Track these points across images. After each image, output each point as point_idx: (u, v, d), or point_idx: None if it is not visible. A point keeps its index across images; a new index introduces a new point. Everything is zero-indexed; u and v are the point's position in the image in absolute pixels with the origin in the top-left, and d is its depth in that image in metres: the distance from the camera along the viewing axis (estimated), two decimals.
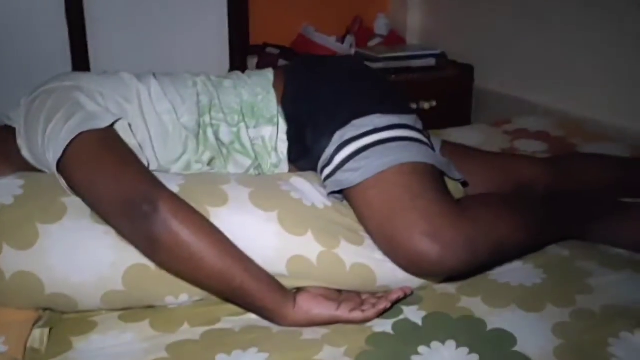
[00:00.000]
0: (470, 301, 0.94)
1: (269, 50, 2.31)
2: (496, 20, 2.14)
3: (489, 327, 0.87)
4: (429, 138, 1.10)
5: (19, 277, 0.86)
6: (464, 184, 1.14)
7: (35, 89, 1.03)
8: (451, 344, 0.83)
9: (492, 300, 0.93)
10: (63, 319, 0.91)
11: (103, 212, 0.89)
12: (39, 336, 0.85)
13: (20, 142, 1.00)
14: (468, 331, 0.85)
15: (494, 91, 2.15)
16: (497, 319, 0.88)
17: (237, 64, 1.99)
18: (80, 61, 1.71)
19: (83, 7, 1.67)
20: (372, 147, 1.01)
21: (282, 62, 2.25)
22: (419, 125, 1.10)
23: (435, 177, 1.01)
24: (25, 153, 1.00)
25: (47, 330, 0.86)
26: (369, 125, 1.03)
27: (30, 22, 1.62)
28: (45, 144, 0.92)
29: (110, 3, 1.77)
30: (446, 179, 1.07)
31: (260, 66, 2.20)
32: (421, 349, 0.82)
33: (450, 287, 0.98)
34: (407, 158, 1.00)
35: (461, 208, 0.96)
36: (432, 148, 1.08)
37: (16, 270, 0.86)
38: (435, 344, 0.83)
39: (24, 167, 1.00)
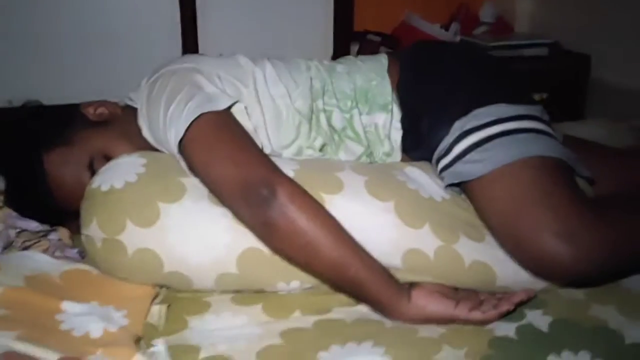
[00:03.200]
0: (602, 310, 0.86)
1: (370, 37, 2.27)
2: (616, 4, 1.98)
3: (627, 340, 0.79)
4: (555, 131, 1.03)
5: (141, 253, 0.88)
6: (591, 182, 1.06)
7: (156, 70, 1.05)
8: (585, 355, 0.76)
9: (629, 310, 0.85)
10: (178, 297, 0.92)
11: (220, 194, 0.89)
12: (157, 312, 0.87)
13: (142, 122, 1.02)
14: (603, 343, 0.78)
15: (614, 83, 2.00)
16: (635, 332, 0.80)
17: (340, 50, 1.97)
18: (190, 43, 1.75)
19: None
20: (496, 138, 0.95)
21: (383, 50, 2.20)
22: (546, 117, 1.03)
23: (566, 172, 0.94)
24: (145, 133, 1.02)
25: (164, 307, 0.88)
26: (493, 115, 0.97)
27: (144, 5, 1.67)
28: (167, 124, 0.93)
29: None
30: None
31: (361, 53, 2.17)
32: (551, 358, 0.76)
33: (577, 293, 0.91)
34: (535, 151, 0.93)
35: (597, 207, 0.89)
36: (560, 142, 1.00)
37: (138, 247, 0.88)
38: (566, 354, 0.76)
39: (145, 146, 1.02)
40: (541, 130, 0.97)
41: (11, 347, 0.66)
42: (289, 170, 0.92)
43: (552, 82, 2.02)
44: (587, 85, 2.08)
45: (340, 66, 1.13)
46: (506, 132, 0.95)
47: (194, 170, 0.91)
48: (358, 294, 0.88)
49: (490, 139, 0.95)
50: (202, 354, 0.79)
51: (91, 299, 0.84)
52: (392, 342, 0.80)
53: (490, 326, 0.83)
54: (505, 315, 0.84)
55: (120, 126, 1.05)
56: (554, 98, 2.02)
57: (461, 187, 0.98)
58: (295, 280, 0.92)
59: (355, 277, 0.85)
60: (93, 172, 0.99)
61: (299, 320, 0.87)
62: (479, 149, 0.95)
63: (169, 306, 0.89)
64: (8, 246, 0.94)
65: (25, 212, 1.01)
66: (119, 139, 1.03)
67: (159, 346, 0.77)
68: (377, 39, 2.26)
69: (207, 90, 0.97)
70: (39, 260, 0.89)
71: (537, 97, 2.01)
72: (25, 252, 0.93)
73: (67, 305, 0.80)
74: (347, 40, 2.06)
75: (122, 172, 0.93)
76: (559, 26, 2.22)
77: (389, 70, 1.11)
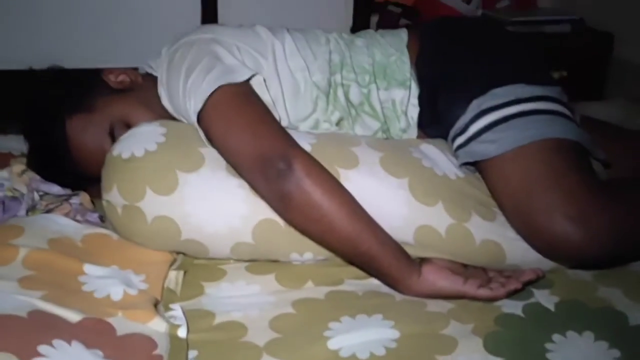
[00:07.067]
0: (609, 292, 0.87)
1: (391, 8, 2.24)
2: None
3: (632, 322, 0.81)
4: (572, 112, 1.02)
5: (159, 221, 0.90)
6: (606, 165, 1.06)
7: (177, 40, 1.05)
8: (589, 335, 0.78)
9: (635, 293, 0.86)
10: (195, 264, 0.95)
11: (238, 166, 0.91)
12: (174, 278, 0.89)
13: (161, 90, 1.04)
14: (608, 324, 0.80)
15: (636, 64, 1.96)
16: None
17: (360, 21, 1.96)
18: (209, 12, 1.75)
19: None
20: (513, 118, 0.95)
21: (403, 22, 2.18)
22: (564, 99, 1.02)
23: (580, 155, 0.94)
24: (165, 102, 1.03)
25: (181, 273, 0.91)
26: (511, 95, 0.97)
27: None
28: (187, 95, 0.95)
29: None
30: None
31: (381, 25, 2.14)
32: (556, 337, 0.78)
33: (585, 275, 0.92)
34: (551, 133, 0.93)
35: (609, 191, 0.89)
36: (577, 124, 1.00)
37: (157, 214, 0.90)
38: (571, 334, 0.78)
39: (164, 115, 1.03)
40: (558, 112, 0.97)
41: (37, 307, 0.69)
42: (305, 144, 0.94)
43: (573, 60, 1.99)
44: (608, 65, 2.05)
45: (360, 40, 1.13)
46: (523, 113, 0.95)
47: (212, 141, 0.93)
48: (370, 268, 0.90)
49: (507, 120, 0.95)
50: (217, 320, 0.82)
51: (111, 262, 0.86)
52: (401, 316, 0.82)
53: (497, 303, 0.85)
54: (513, 294, 0.86)
55: (140, 94, 1.07)
56: (574, 76, 1.99)
57: (476, 166, 0.98)
58: (308, 252, 0.94)
59: (367, 252, 0.87)
60: (114, 138, 1.00)
61: (312, 290, 0.89)
62: (495, 129, 0.95)
63: (185, 272, 0.92)
64: (32, 209, 0.97)
65: (47, 175, 1.03)
66: (139, 107, 1.04)
67: (177, 310, 0.80)
68: (398, 10, 2.23)
69: (226, 62, 0.97)
70: (61, 224, 0.92)
71: (556, 74, 1.98)
72: (49, 215, 0.95)
73: (89, 268, 0.82)
74: (367, 10, 2.04)
75: (142, 140, 0.95)
76: (583, 3, 2.18)
77: (409, 46, 1.11)
